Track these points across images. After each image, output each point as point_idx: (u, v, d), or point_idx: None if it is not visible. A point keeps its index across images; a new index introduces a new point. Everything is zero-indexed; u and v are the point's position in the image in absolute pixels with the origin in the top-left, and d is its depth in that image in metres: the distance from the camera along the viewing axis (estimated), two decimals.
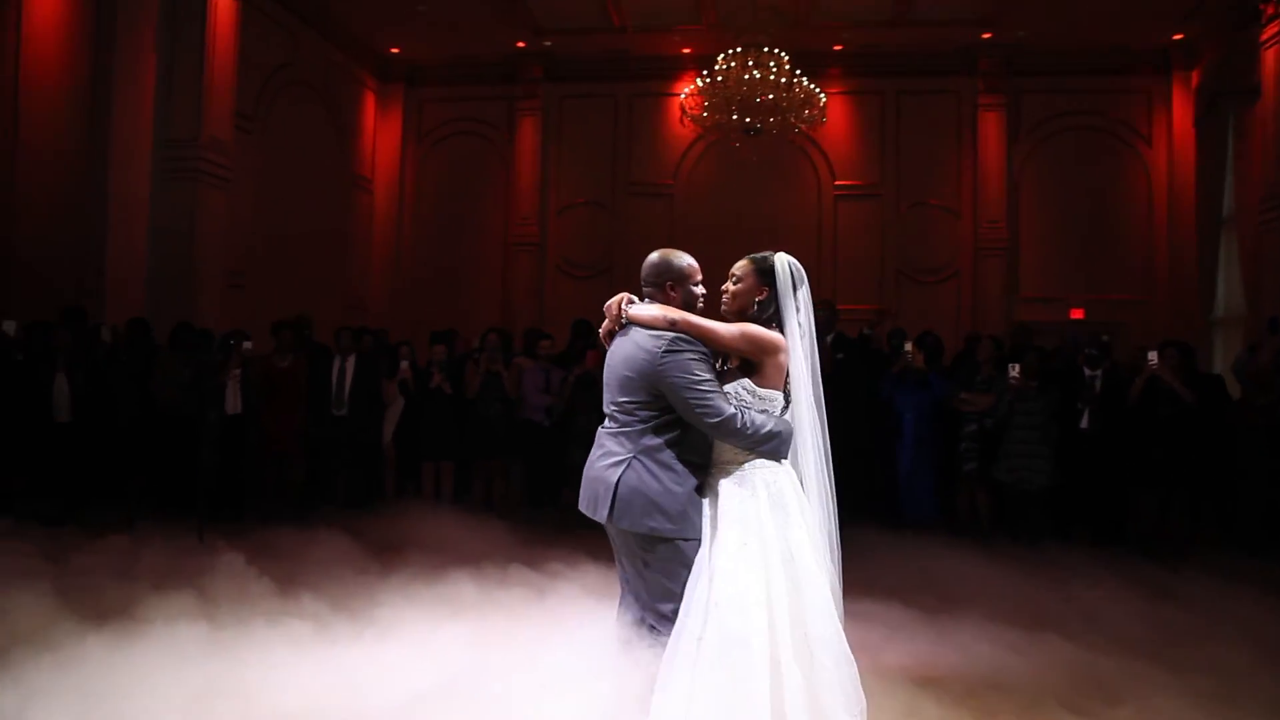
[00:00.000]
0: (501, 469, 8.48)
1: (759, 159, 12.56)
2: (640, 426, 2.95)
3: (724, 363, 3.10)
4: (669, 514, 2.88)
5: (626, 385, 2.98)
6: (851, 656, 2.85)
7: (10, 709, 3.06)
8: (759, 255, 3.07)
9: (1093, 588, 5.66)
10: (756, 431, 2.87)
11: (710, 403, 2.85)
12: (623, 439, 2.98)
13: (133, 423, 7.30)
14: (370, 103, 14.57)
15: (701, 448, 2.99)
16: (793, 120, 11.62)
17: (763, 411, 2.94)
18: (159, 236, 10.25)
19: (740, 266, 3.08)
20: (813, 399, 3.04)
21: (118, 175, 9.94)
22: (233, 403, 7.47)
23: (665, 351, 2.87)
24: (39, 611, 4.33)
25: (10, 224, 9.88)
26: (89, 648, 3.71)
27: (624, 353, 3.01)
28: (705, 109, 11.79)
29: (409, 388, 8.15)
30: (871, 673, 3.96)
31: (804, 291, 3.05)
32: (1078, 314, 13.05)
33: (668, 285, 3.04)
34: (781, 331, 3.00)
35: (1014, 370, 7.02)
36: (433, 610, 4.61)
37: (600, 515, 2.99)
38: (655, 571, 2.93)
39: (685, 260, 3.08)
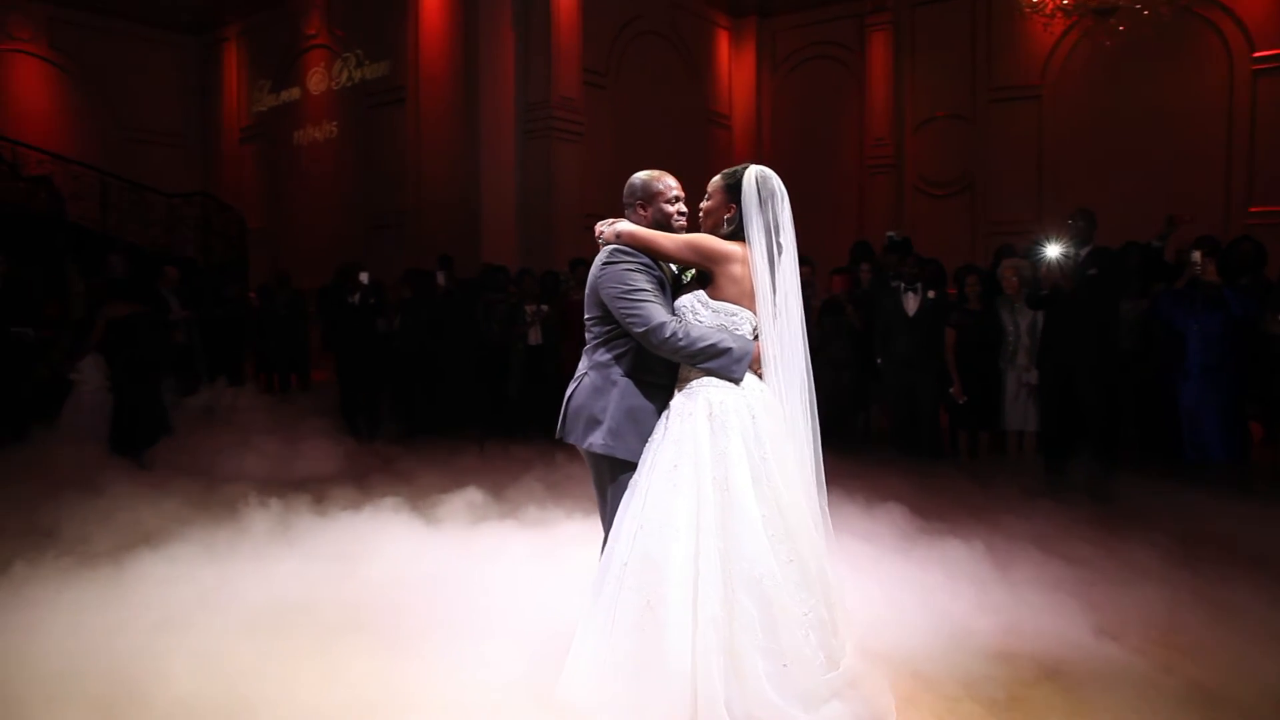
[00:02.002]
0: None
1: (1144, 39, 10.71)
2: (595, 342, 2.96)
3: (687, 277, 3.04)
4: (605, 430, 2.85)
5: (586, 302, 3.00)
6: (784, 600, 2.56)
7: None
8: (730, 170, 2.92)
9: None
10: (692, 344, 2.75)
11: (639, 311, 2.78)
12: (585, 355, 3.01)
13: (458, 354, 8.73)
14: (723, 40, 15.10)
15: (658, 367, 2.90)
16: None
17: (719, 326, 2.82)
18: (523, 189, 11.98)
19: (712, 183, 2.97)
20: (773, 313, 2.84)
21: (489, 139, 11.81)
22: (534, 335, 8.58)
23: (604, 263, 2.87)
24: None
25: (417, 189, 12.30)
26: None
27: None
28: None
29: None
30: (1138, 679, 3.13)
31: (777, 207, 2.84)
32: None
33: (638, 205, 3.02)
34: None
35: None
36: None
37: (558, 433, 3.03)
38: (602, 492, 2.95)
39: (661, 181, 3.01)
